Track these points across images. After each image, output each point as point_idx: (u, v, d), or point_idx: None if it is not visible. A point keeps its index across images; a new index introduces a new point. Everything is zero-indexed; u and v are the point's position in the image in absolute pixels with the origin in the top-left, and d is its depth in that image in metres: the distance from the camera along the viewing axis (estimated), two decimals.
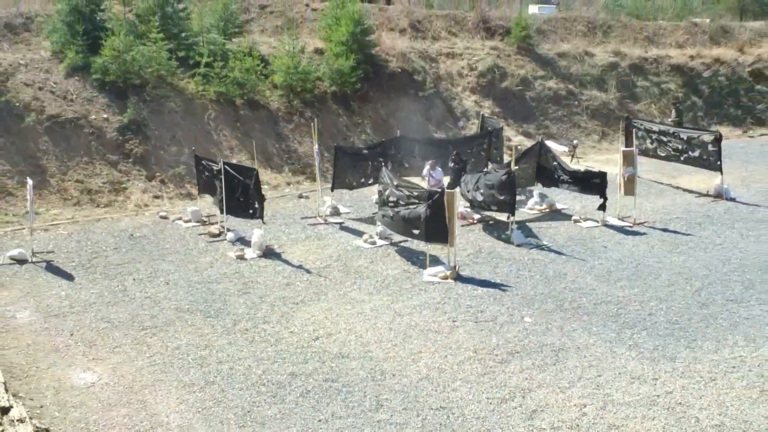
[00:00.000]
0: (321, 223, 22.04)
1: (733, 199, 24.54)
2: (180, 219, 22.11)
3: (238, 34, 30.74)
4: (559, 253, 19.75)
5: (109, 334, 15.16)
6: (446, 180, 22.67)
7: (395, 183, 19.75)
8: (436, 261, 18.87)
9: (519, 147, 30.39)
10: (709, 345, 14.77)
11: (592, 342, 14.86)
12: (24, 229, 20.61)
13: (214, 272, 18.37)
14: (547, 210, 23.37)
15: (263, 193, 20.32)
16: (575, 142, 29.50)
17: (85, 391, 13.05)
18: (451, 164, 23.08)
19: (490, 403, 12.67)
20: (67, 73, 26.32)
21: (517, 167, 21.81)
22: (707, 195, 24.92)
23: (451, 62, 33.07)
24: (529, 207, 23.48)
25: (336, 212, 22.91)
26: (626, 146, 27.94)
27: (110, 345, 14.71)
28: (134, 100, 25.96)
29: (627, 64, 36.28)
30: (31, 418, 11.79)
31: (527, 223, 22.07)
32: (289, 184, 25.90)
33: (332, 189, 23.18)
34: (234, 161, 26.09)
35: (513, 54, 34.66)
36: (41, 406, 12.51)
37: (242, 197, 20.19)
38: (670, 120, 28.07)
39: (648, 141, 27.12)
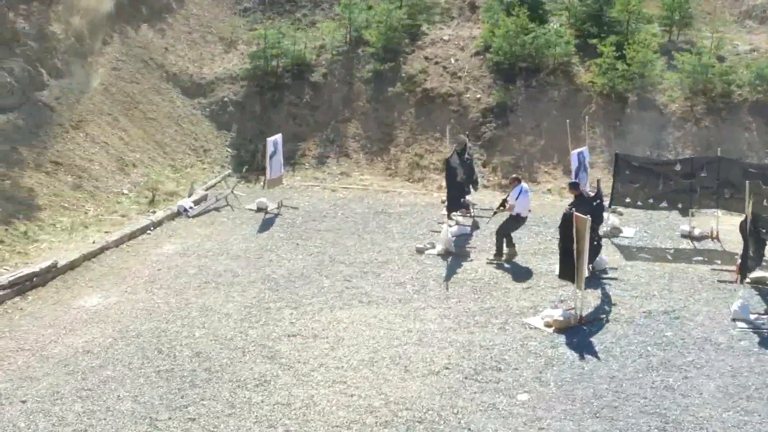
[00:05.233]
0: None
1: None
2: None
3: (685, 27, 27.44)
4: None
5: (193, 278, 16.73)
6: None
7: None
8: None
9: None
10: None
11: None
12: (316, 187, 23.14)
13: (376, 256, 18.10)
14: None
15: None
16: None
17: (85, 309, 15.21)
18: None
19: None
20: (476, 51, 27.37)
21: None
22: None
23: None
24: None
25: (615, 232, 19.92)
26: None
27: (173, 286, 16.32)
28: (518, 84, 25.84)
29: None
30: None
31: None
32: None
33: (610, 204, 20.04)
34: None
35: None
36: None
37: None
38: None
39: None
